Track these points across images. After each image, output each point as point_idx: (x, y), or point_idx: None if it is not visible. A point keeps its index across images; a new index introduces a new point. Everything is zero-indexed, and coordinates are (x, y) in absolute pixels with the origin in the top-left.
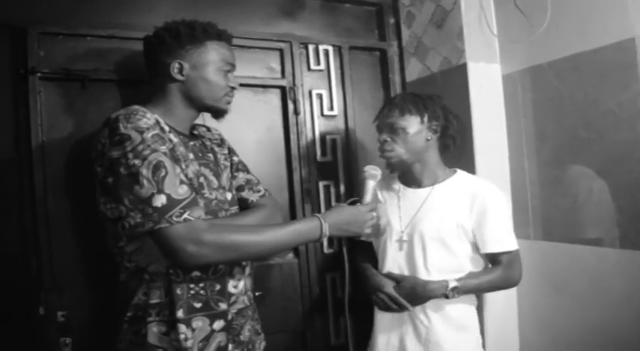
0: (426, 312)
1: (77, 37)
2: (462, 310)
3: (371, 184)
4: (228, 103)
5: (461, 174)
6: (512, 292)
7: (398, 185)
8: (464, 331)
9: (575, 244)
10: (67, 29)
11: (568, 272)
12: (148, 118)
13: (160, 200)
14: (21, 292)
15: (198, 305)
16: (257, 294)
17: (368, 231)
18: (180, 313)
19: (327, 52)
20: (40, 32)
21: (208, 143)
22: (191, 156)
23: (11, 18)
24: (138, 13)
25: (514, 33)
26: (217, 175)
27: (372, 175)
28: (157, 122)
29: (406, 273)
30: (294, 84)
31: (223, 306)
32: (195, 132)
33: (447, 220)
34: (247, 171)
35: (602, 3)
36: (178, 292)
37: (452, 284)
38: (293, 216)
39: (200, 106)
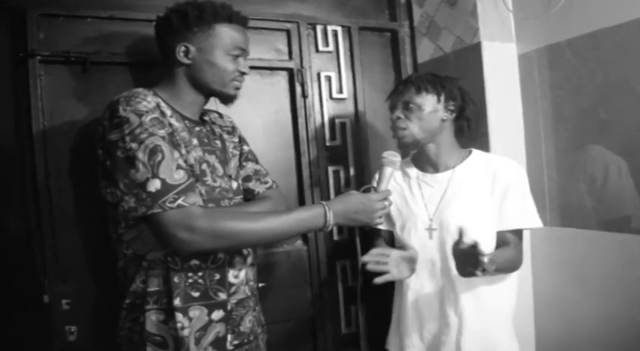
0: (458, 302)
1: (78, 19)
2: (497, 295)
3: (388, 171)
4: (237, 88)
5: (477, 153)
6: (528, 279)
7: (415, 171)
8: (497, 319)
9: (594, 230)
10: (67, 11)
11: (587, 259)
12: (148, 101)
13: (154, 185)
14: (26, 281)
15: (196, 294)
16: (260, 285)
17: (379, 221)
18: (177, 302)
19: (335, 33)
20: (39, 14)
21: (218, 130)
22: (195, 142)
23: (10, 0)
24: None
25: (530, 9)
26: (224, 163)
27: (391, 161)
28: (158, 106)
29: (438, 263)
30: (301, 66)
31: (223, 296)
32: (206, 118)
33: (475, 203)
34: (256, 161)
35: None
36: (176, 280)
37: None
38: (302, 202)
39: (207, 91)
